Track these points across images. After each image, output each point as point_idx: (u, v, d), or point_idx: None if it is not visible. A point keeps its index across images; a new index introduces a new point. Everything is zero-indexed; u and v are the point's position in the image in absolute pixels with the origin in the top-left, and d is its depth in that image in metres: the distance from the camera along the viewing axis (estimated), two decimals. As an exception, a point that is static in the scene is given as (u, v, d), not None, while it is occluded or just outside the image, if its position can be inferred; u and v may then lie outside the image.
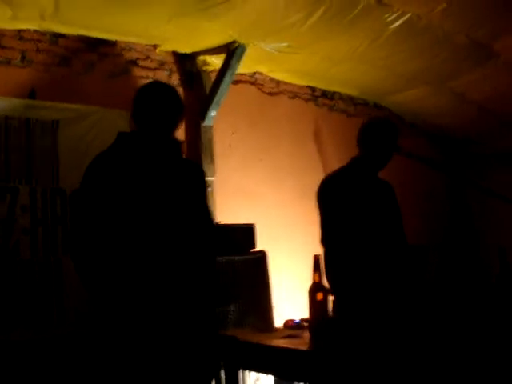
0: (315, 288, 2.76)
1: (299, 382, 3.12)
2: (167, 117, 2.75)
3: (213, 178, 5.44)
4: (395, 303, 2.98)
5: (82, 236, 2.62)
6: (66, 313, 4.31)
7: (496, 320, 2.82)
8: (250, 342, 2.77)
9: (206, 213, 2.76)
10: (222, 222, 5.07)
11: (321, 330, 2.70)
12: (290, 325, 3.16)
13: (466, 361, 2.22)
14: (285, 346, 2.64)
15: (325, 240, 3.39)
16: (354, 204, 3.31)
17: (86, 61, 4.92)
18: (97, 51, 4.99)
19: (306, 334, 2.83)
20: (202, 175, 2.83)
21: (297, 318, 3.20)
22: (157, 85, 3.00)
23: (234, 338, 2.84)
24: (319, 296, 2.73)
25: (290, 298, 5.52)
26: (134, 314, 2.53)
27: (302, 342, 2.69)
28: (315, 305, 2.74)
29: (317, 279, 2.77)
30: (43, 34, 4.67)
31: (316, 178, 3.84)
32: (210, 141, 5.50)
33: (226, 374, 2.93)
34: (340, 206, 3.34)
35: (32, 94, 4.54)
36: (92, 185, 2.65)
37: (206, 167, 5.41)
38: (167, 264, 2.57)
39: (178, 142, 2.81)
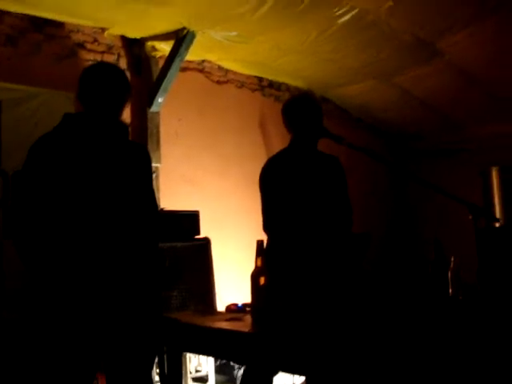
0: (258, 272, 2.80)
1: (240, 364, 3.18)
2: (113, 97, 2.71)
3: (158, 165, 5.43)
4: (334, 289, 3.04)
5: (23, 218, 2.57)
6: (8, 296, 4.25)
7: (430, 303, 2.94)
8: (193, 324, 2.81)
9: (150, 196, 2.72)
10: (167, 209, 5.08)
11: (262, 314, 2.75)
12: (232, 309, 3.20)
13: (399, 342, 2.30)
14: (227, 327, 2.68)
15: (266, 224, 3.40)
16: (293, 185, 3.32)
17: (33, 41, 4.84)
18: (44, 32, 4.91)
19: (248, 318, 2.87)
20: (147, 158, 2.76)
21: (239, 303, 3.24)
22: (103, 65, 2.96)
23: (176, 320, 2.86)
24: (261, 280, 2.77)
25: (232, 284, 5.57)
26: (75, 296, 2.49)
27: (244, 325, 2.73)
28: (257, 289, 2.78)
29: (259, 264, 2.82)
30: (-13, 10, 4.58)
31: (260, 167, 3.86)
32: (157, 127, 5.48)
33: (168, 357, 2.96)
34: (279, 188, 3.34)
35: (-25, 73, 4.45)
36: (34, 166, 2.59)
37: (152, 154, 5.28)
38: (109, 246, 2.54)
39: (124, 125, 2.78)
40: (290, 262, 3.18)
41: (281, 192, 3.35)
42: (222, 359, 4.93)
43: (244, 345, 2.56)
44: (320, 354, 2.32)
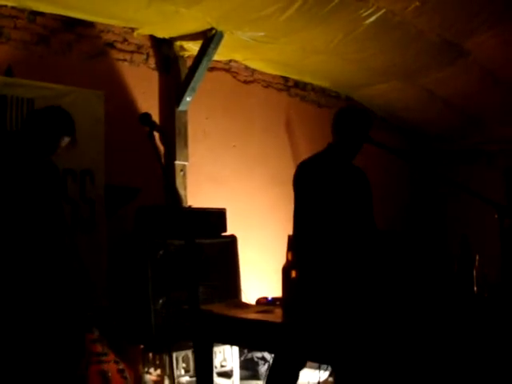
0: (289, 266, 2.86)
1: (271, 353, 3.26)
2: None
3: (186, 163, 5.51)
4: (361, 285, 3.07)
5: None
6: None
7: (455, 302, 2.96)
8: (226, 315, 2.87)
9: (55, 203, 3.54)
10: (194, 206, 5.15)
11: (293, 306, 2.80)
12: (263, 302, 3.26)
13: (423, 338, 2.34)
14: (261, 318, 2.74)
15: (297, 223, 3.46)
16: (327, 188, 3.40)
17: (64, 41, 4.94)
18: (74, 32, 5.01)
19: (278, 310, 2.93)
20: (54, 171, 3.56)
21: (269, 297, 3.31)
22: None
23: (209, 311, 2.93)
24: (293, 274, 2.83)
25: (257, 280, 5.64)
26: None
27: (276, 317, 2.80)
28: (288, 282, 2.84)
29: (290, 258, 2.88)
30: (21, 10, 4.67)
31: (285, 166, 3.90)
32: (185, 126, 5.56)
33: (199, 348, 3.01)
34: (314, 190, 3.42)
35: (8, 72, 4.54)
36: None
37: (179, 152, 5.48)
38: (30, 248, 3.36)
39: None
40: (320, 258, 3.23)
41: (313, 196, 3.44)
42: (253, 350, 5.00)
43: (276, 335, 2.63)
44: (347, 346, 2.38)
